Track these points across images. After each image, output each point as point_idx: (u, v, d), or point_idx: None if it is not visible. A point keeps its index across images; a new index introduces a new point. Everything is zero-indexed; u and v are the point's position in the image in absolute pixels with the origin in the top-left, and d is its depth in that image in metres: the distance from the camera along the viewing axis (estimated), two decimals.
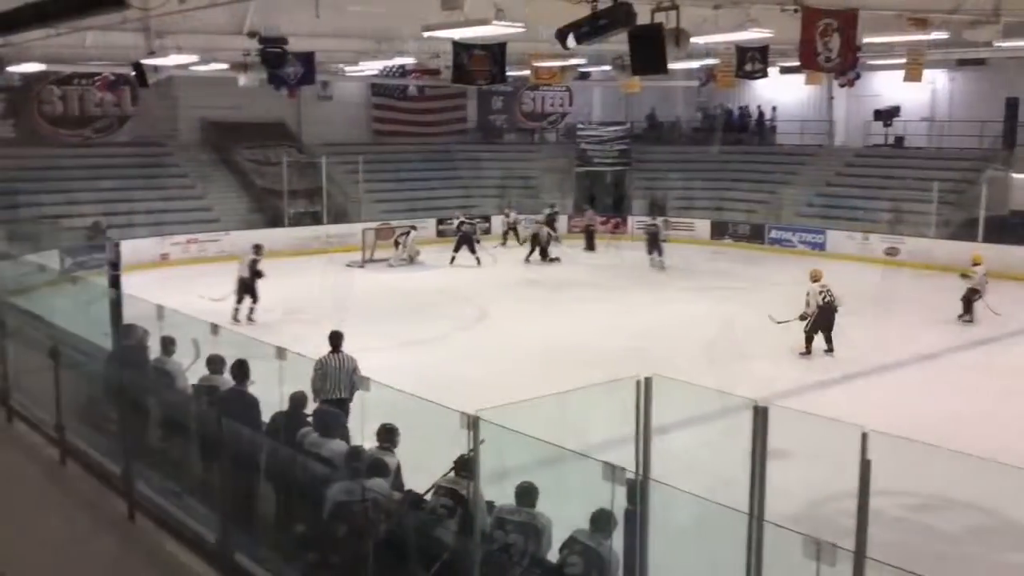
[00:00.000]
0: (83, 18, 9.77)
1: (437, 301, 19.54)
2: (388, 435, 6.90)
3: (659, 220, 24.95)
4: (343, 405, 8.81)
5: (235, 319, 16.82)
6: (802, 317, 14.62)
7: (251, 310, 17.23)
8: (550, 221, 25.97)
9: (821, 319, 14.47)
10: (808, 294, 14.60)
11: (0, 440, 8.45)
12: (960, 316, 17.31)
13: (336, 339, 9.55)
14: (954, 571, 7.74)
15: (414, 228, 24.88)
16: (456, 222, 25.12)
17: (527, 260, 24.47)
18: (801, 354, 14.59)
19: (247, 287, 17.24)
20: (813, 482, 8.64)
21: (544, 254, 24.51)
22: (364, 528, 5.22)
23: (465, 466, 5.95)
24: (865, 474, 4.53)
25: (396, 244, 24.40)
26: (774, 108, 32.23)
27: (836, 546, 4.18)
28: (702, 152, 31.72)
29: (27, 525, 6.58)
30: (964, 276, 17.47)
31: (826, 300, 14.41)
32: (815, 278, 14.75)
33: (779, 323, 14.84)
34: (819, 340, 14.77)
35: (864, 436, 4.55)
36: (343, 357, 9.40)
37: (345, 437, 7.12)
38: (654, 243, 23.78)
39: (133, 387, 7.23)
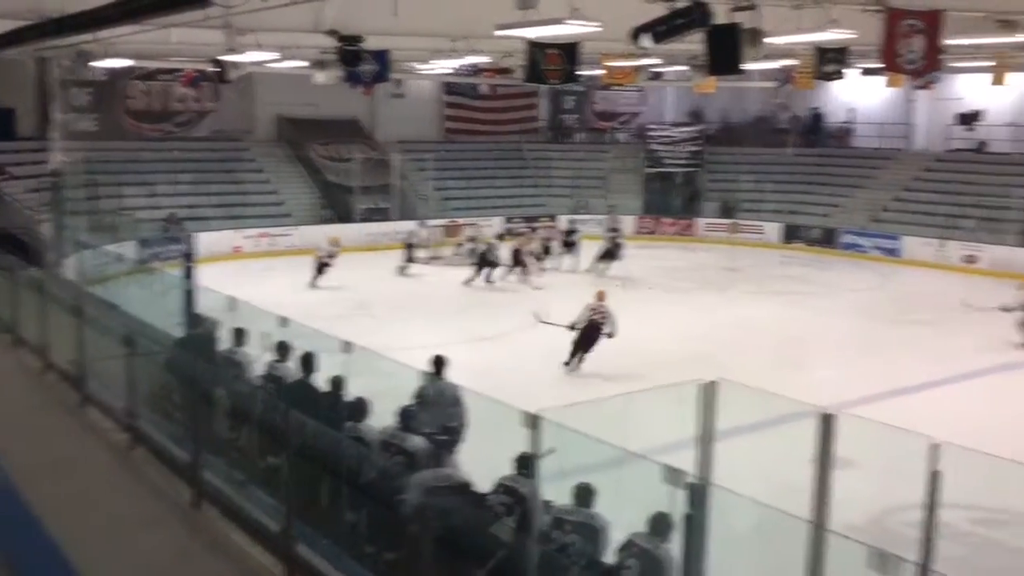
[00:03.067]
0: (167, 15, 10.04)
1: (504, 299, 19.59)
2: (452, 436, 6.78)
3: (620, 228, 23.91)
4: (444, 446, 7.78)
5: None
6: (571, 327, 14.07)
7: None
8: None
9: (584, 336, 13.99)
10: (585, 307, 14.20)
11: (73, 424, 8.69)
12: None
13: (439, 364, 8.45)
14: None
15: (474, 239, 23.67)
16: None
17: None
18: (564, 363, 14.01)
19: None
20: (879, 492, 8.45)
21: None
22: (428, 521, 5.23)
23: (525, 464, 5.95)
24: (934, 485, 4.42)
25: (458, 245, 24.21)
26: (850, 111, 31.54)
27: (901, 558, 4.08)
28: (776, 154, 31.22)
29: (95, 509, 6.75)
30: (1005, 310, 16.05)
31: (591, 319, 13.96)
32: (599, 298, 14.30)
33: (543, 322, 14.52)
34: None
35: (934, 447, 4.44)
36: (443, 386, 8.18)
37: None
38: (611, 253, 22.44)
39: (202, 376, 7.38)
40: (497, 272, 21.33)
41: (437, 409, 7.99)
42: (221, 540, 6.26)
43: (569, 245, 23.52)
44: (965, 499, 7.70)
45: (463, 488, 6.01)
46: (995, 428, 10.93)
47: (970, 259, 23.62)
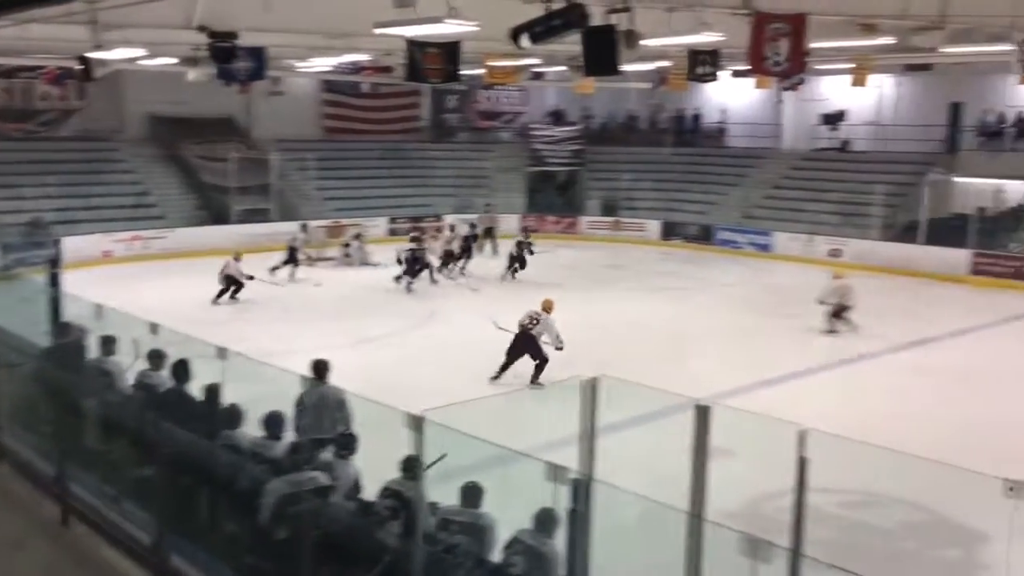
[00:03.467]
0: (27, 10, 9.56)
1: (386, 300, 19.44)
2: (345, 442, 6.67)
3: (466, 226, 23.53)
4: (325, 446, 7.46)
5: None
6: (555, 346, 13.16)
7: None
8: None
9: (517, 343, 13.06)
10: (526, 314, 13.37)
11: None
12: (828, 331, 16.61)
13: (320, 369, 8.24)
14: (889, 567, 7.89)
15: (359, 236, 24.19)
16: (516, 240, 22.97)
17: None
18: (491, 378, 12.99)
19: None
20: (754, 480, 8.75)
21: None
22: (304, 527, 5.15)
23: (410, 467, 5.91)
24: (802, 471, 4.59)
25: (345, 246, 24.07)
26: (723, 112, 32.59)
27: (772, 543, 4.22)
28: (654, 153, 31.99)
29: None
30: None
31: (525, 326, 13.07)
32: (545, 308, 13.37)
33: (500, 328, 13.57)
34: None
35: (801, 433, 4.61)
36: (325, 391, 7.98)
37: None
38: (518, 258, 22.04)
39: (69, 387, 7.06)
40: (433, 272, 21.10)
41: (319, 414, 7.79)
42: (91, 556, 6.02)
43: (467, 249, 23.09)
44: (832, 483, 8.06)
45: (323, 492, 5.86)
46: (858, 414, 11.47)
47: (835, 253, 24.71)
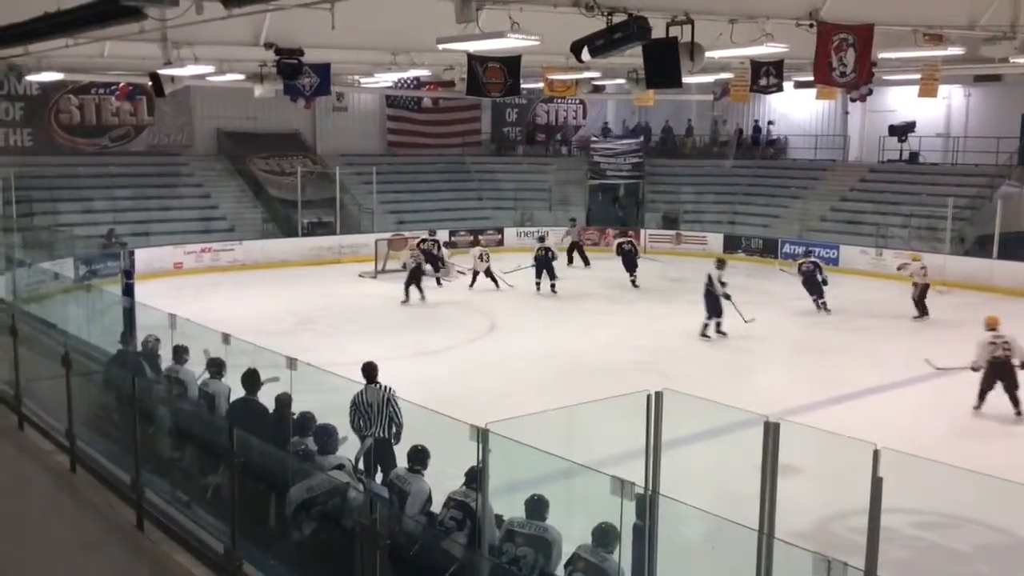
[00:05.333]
0: (101, 28, 9.85)
1: (449, 313, 19.55)
2: (418, 456, 6.72)
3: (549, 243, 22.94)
4: (384, 446, 8.02)
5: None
6: (974, 368, 12.46)
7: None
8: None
9: (992, 374, 12.27)
10: (978, 345, 12.46)
11: (11, 446, 8.47)
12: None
13: (369, 371, 8.57)
14: None
15: (440, 247, 23.68)
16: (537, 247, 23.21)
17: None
18: (974, 407, 12.50)
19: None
20: (824, 499, 8.59)
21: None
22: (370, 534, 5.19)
23: (475, 478, 5.94)
24: (877, 491, 4.51)
25: (439, 261, 23.22)
26: (770, 122, 32.24)
27: (847, 564, 4.15)
28: (716, 166, 31.72)
29: (35, 533, 6.59)
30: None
31: (996, 356, 12.18)
32: (990, 326, 12.47)
33: (938, 368, 12.95)
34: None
35: (876, 453, 4.53)
36: (375, 390, 8.35)
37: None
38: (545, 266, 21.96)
39: (143, 395, 7.24)
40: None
41: (370, 413, 8.22)
42: (165, 562, 6.14)
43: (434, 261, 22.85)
44: (907, 503, 7.88)
45: (338, 491, 5.90)
46: (934, 433, 11.19)
47: (904, 267, 24.16)
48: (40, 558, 6.13)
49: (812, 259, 20.49)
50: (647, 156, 32.35)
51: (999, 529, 8.87)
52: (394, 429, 8.24)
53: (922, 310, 18.71)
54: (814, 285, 19.42)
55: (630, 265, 22.91)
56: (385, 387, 8.41)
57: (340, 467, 6.64)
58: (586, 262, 25.75)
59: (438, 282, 22.25)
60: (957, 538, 8.89)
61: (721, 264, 17.37)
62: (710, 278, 16.77)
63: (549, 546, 5.73)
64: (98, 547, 6.38)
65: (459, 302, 20.52)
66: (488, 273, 22.00)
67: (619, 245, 23.85)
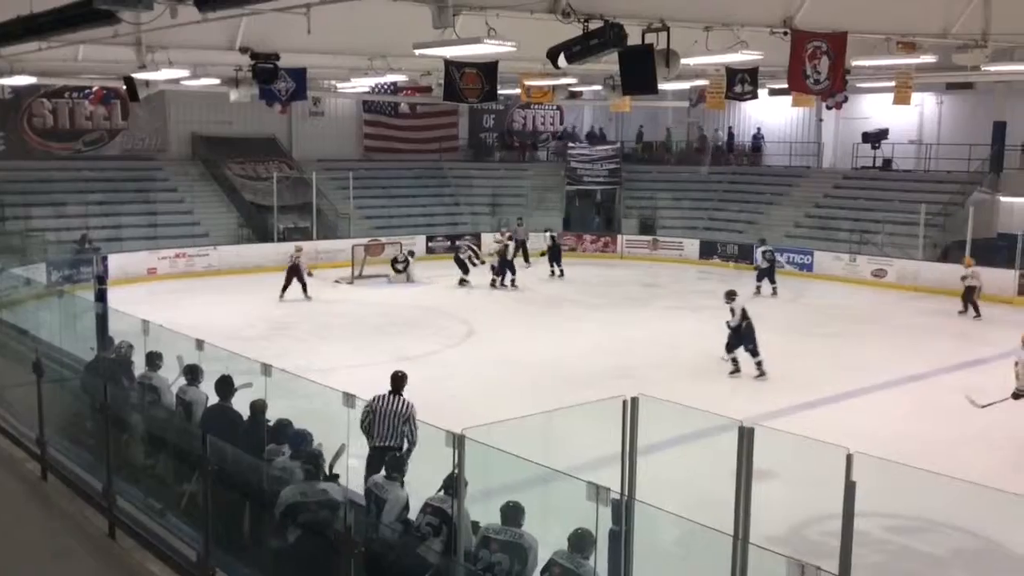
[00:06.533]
0: (75, 32, 9.77)
1: (426, 318, 19.52)
2: (397, 464, 6.71)
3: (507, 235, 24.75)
4: (387, 454, 7.72)
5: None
6: (1015, 396, 11.77)
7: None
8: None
9: None
10: (1017, 364, 11.83)
11: None
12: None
13: (397, 381, 8.58)
14: None
15: (412, 254, 24.69)
16: (547, 235, 25.82)
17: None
18: None
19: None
20: (798, 503, 8.63)
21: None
22: (339, 539, 5.17)
23: (452, 484, 5.92)
24: (850, 496, 4.53)
25: (395, 263, 24.16)
26: (760, 130, 32.47)
27: (820, 569, 4.17)
28: (691, 172, 31.90)
29: (5, 541, 6.50)
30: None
31: None
32: None
33: (983, 407, 11.66)
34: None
35: (849, 457, 4.56)
36: (397, 401, 8.39)
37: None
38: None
39: (116, 402, 7.17)
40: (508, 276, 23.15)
41: (393, 424, 8.20)
42: (137, 570, 6.08)
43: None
44: (880, 508, 7.93)
45: (330, 505, 5.88)
46: (908, 437, 11.28)
47: (879, 273, 24.40)
48: (10, 567, 6.05)
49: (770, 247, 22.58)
50: (623, 162, 32.49)
51: (972, 533, 8.95)
52: (405, 446, 8.17)
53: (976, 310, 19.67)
54: (773, 273, 21.84)
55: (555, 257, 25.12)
56: (410, 404, 8.37)
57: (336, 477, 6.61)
58: (527, 260, 26.60)
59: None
60: (930, 542, 8.95)
61: (731, 296, 15.46)
62: (732, 312, 15.09)
63: (525, 552, 5.72)
64: (69, 555, 6.31)
65: (436, 308, 20.47)
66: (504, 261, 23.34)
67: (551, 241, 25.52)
